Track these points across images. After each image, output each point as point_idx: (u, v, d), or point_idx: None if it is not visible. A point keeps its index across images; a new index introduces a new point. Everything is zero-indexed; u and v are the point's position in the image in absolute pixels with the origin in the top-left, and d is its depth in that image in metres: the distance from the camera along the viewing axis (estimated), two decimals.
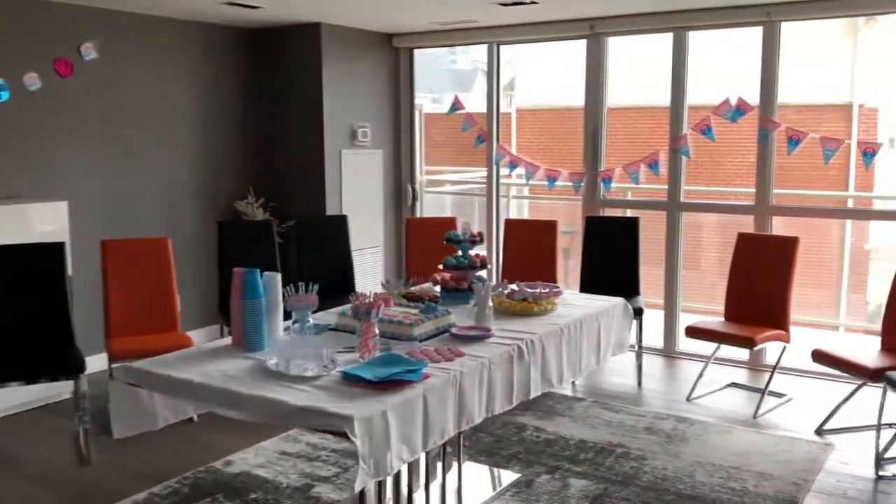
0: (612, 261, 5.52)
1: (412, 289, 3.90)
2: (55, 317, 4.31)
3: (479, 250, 4.15)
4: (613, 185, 6.18)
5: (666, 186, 5.94)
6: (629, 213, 6.48)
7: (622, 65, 7.17)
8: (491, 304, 3.48)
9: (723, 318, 5.14)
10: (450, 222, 5.89)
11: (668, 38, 5.77)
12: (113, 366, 4.19)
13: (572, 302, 3.95)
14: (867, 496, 3.67)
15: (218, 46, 6.32)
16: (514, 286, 3.91)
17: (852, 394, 4.45)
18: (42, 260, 4.34)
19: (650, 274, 5.67)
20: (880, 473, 3.88)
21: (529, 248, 5.67)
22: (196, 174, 6.23)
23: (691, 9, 5.46)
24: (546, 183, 6.29)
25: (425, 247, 5.77)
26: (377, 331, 2.99)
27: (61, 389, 4.78)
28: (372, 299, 3.09)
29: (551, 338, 3.39)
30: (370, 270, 6.77)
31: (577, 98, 6.29)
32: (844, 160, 9.16)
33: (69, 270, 4.46)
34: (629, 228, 5.52)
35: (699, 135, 5.63)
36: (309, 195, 6.47)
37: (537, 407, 4.67)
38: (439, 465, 3.68)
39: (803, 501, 3.59)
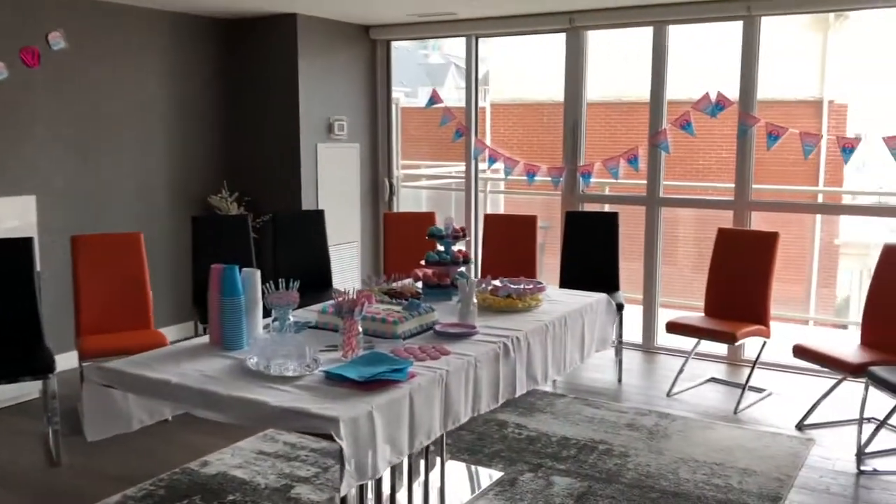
0: (591, 256, 5.49)
1: (393, 285, 3.83)
2: (23, 314, 4.18)
3: (459, 246, 4.08)
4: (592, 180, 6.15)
5: (644, 181, 5.92)
6: (607, 208, 6.46)
7: (601, 59, 7.14)
8: (475, 300, 3.42)
9: (703, 314, 5.13)
10: (428, 217, 5.82)
11: (647, 32, 5.75)
12: (84, 364, 4.08)
13: (556, 298, 3.90)
14: (849, 491, 3.68)
15: (191, 37, 6.17)
16: (497, 282, 3.86)
17: (832, 389, 4.46)
18: (9, 256, 4.21)
19: (627, 269, 5.64)
20: (861, 468, 3.89)
21: (509, 244, 5.62)
22: (168, 168, 6.09)
23: (672, 3, 5.44)
24: (525, 178, 6.25)
25: (403, 242, 5.71)
26: (360, 329, 2.92)
27: (30, 389, 4.64)
28: (354, 296, 3.01)
29: (536, 335, 3.34)
30: (347, 266, 6.68)
31: (550, 93, 6.25)
32: (814, 155, 9.26)
33: (37, 266, 4.33)
34: (609, 223, 5.49)
35: (679, 130, 5.61)
36: (284, 190, 6.36)
37: (518, 404, 4.62)
38: (422, 463, 3.62)
39: (787, 497, 3.59)
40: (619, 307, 5.02)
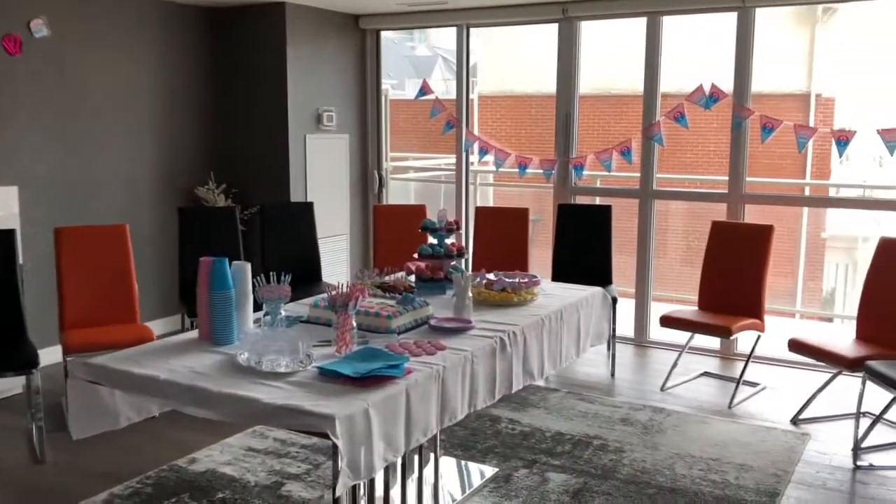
0: (584, 249, 5.44)
1: (386, 279, 3.75)
2: (5, 308, 4.08)
3: (451, 239, 4.01)
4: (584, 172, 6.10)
5: (636, 174, 5.87)
6: (598, 200, 6.41)
7: (591, 51, 7.08)
8: (470, 294, 3.36)
9: (696, 308, 5.10)
10: (419, 210, 5.75)
11: (637, 24, 5.69)
12: (68, 359, 3.98)
13: (551, 292, 3.84)
14: (846, 486, 3.65)
15: (177, 25, 6.05)
16: (491, 276, 3.79)
17: (827, 383, 4.43)
18: None
19: (619, 263, 5.60)
20: (858, 463, 3.86)
21: (501, 237, 5.56)
22: (154, 159, 5.98)
23: None
24: (517, 170, 6.18)
25: (393, 235, 5.64)
26: (354, 323, 2.84)
27: (13, 385, 4.55)
28: (347, 290, 2.94)
29: (533, 329, 3.28)
30: (336, 259, 6.60)
31: (539, 85, 6.19)
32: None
33: (20, 259, 4.23)
34: (602, 216, 5.44)
35: (672, 122, 5.56)
36: (272, 181, 6.26)
37: (511, 398, 4.56)
38: (416, 459, 3.55)
39: (784, 492, 3.55)
40: (613, 301, 4.98)
